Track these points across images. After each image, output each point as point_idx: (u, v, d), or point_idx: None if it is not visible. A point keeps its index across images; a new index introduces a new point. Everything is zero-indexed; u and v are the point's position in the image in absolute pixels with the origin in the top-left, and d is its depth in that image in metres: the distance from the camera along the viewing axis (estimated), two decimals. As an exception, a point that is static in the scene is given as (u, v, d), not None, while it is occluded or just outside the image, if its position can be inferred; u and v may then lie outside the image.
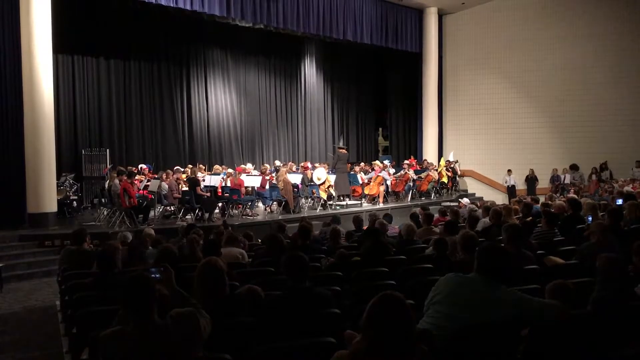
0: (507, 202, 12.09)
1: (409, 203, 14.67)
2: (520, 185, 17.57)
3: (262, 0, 13.53)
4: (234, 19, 13.70)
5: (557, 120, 17.44)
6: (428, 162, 17.06)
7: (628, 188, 12.28)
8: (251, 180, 12.47)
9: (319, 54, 19.09)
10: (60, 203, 11.32)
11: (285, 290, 3.35)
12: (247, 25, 14.39)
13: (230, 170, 13.22)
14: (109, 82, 14.48)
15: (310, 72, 19.05)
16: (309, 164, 14.39)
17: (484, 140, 18.49)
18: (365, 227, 7.59)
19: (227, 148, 16.91)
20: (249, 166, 14.35)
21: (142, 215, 10.67)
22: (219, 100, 16.76)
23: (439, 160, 17.53)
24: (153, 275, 2.81)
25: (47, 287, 8.42)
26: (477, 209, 9.81)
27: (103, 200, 11.56)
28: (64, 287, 5.12)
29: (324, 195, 13.09)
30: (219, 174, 12.75)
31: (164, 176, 11.92)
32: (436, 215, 9.07)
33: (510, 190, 17.20)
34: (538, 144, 17.67)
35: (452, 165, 17.46)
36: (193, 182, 11.36)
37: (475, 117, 18.61)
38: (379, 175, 14.73)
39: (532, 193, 15.82)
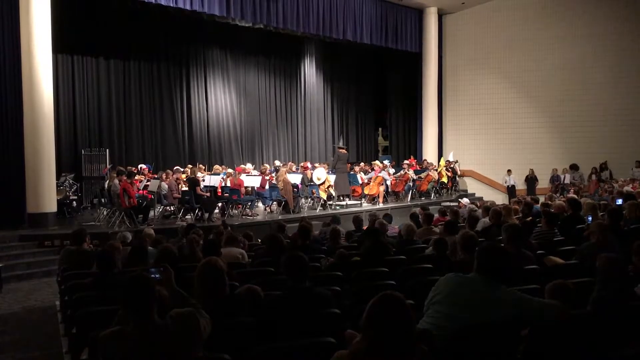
0: (507, 202, 12.09)
1: (409, 203, 14.67)
2: (520, 185, 17.58)
3: (262, 0, 13.53)
4: (233, 19, 13.70)
5: (556, 120, 17.44)
6: (428, 162, 17.06)
7: (628, 188, 12.29)
8: (251, 180, 12.47)
9: (318, 54, 19.08)
10: (60, 203, 11.32)
11: (285, 290, 3.35)
12: (247, 25, 14.39)
13: (230, 170, 13.21)
14: (109, 82, 14.47)
15: (310, 72, 19.05)
16: (308, 164, 14.39)
17: (483, 140, 18.50)
18: (365, 227, 7.60)
19: (227, 148, 16.91)
20: (249, 166, 14.34)
21: (141, 215, 10.67)
22: (219, 100, 16.75)
23: (439, 160, 17.53)
24: (153, 276, 2.80)
25: (46, 287, 8.41)
26: (477, 209, 9.81)
27: (103, 200, 11.55)
28: (64, 287, 5.12)
29: (323, 195, 13.09)
30: (218, 174, 12.75)
31: (164, 176, 11.92)
32: (436, 215, 9.07)
33: (510, 190, 17.20)
34: (538, 144, 17.68)
35: (452, 165, 17.47)
36: (193, 182, 11.36)
37: (475, 117, 18.61)
38: (378, 175, 14.73)
39: (532, 193, 15.82)
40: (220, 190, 11.85)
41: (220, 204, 11.80)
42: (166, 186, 11.45)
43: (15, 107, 10.54)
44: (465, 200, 12.92)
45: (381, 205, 13.99)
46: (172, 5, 11.91)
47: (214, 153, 16.54)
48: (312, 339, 2.76)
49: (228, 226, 8.87)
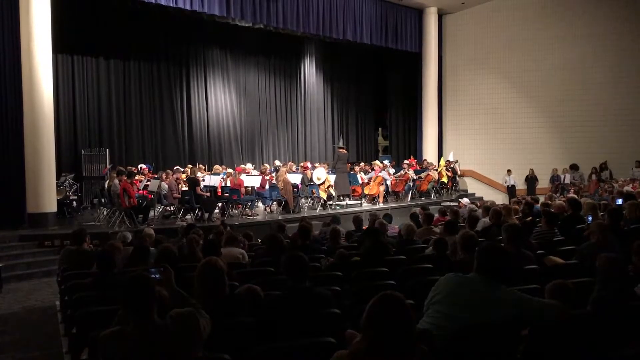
0: (507, 202, 12.09)
1: (409, 203, 14.67)
2: (520, 185, 17.58)
3: (262, 0, 13.53)
4: (233, 19, 13.70)
5: (556, 120, 17.44)
6: (428, 162, 17.06)
7: (628, 188, 12.29)
8: (251, 180, 12.47)
9: (318, 54, 19.09)
10: (60, 203, 11.32)
11: (285, 290, 3.35)
12: (246, 25, 14.39)
13: (230, 170, 13.21)
14: (109, 82, 14.48)
15: (310, 72, 19.05)
16: (308, 164, 14.39)
17: (483, 140, 18.50)
18: (365, 227, 7.59)
19: (227, 148, 16.91)
20: (249, 166, 14.34)
21: (141, 215, 10.67)
22: (219, 100, 16.75)
23: (439, 160, 17.53)
24: (153, 276, 2.80)
25: (46, 287, 8.41)
26: (477, 209, 9.81)
27: (103, 200, 11.55)
28: (64, 287, 5.12)
29: (323, 195, 13.09)
30: (218, 174, 12.75)
31: (164, 176, 11.92)
32: (436, 215, 9.06)
33: (510, 190, 17.20)
34: (538, 144, 17.68)
35: (452, 165, 17.46)
36: (193, 182, 11.36)
37: (475, 117, 18.61)
38: (378, 175, 14.73)
39: (532, 193, 15.82)
40: (220, 190, 11.85)
41: (220, 204, 11.79)
42: (166, 186, 11.44)
43: (15, 107, 10.54)
44: (465, 200, 12.92)
45: (381, 205, 13.99)
46: (172, 5, 11.91)
47: (214, 153, 16.54)
48: (312, 339, 2.76)
49: (228, 226, 8.87)
